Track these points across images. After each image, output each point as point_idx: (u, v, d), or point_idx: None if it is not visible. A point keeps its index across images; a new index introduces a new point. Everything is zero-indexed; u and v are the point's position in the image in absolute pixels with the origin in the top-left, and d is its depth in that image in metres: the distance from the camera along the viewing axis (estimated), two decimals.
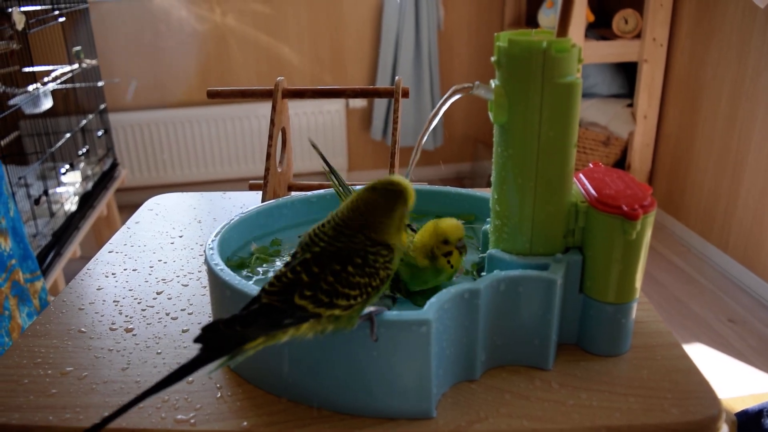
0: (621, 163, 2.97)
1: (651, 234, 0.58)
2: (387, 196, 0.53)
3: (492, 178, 0.61)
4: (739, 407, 1.29)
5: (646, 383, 0.57)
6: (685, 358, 0.61)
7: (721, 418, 0.54)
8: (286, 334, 0.49)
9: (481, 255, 0.68)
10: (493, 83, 0.58)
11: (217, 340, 0.46)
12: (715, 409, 0.54)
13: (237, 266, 0.70)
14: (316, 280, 0.49)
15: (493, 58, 0.57)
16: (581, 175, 0.63)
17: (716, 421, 0.54)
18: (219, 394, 0.57)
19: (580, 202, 0.59)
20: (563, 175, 0.57)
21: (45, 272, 1.79)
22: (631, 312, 0.60)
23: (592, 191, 0.59)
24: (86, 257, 2.24)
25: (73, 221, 2.12)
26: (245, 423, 0.54)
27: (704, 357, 1.97)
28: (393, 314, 0.51)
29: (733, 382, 1.86)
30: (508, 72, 0.56)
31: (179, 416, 0.54)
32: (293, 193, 0.83)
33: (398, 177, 0.54)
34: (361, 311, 0.51)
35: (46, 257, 1.87)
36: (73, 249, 2.04)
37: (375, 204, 0.53)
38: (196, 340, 0.46)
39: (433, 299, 0.53)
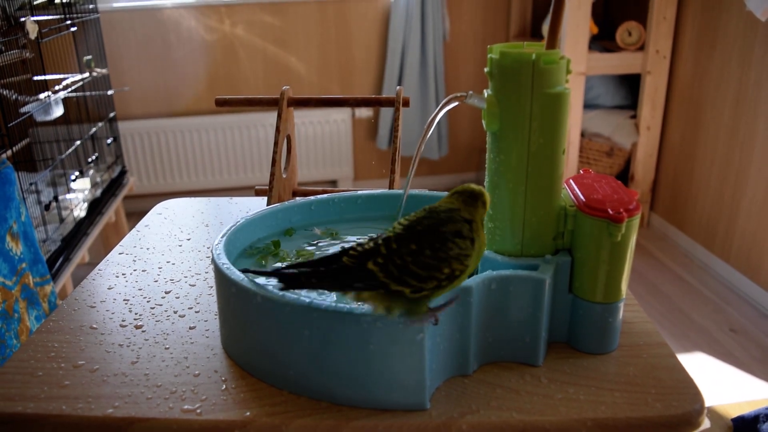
0: (624, 173, 2.99)
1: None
2: (471, 195, 0.57)
3: (485, 183, 0.64)
4: (735, 413, 1.31)
5: (631, 379, 0.60)
6: (671, 356, 0.63)
7: (702, 412, 0.57)
8: (355, 297, 0.53)
9: None
10: (486, 93, 0.61)
11: (293, 282, 0.53)
12: (698, 404, 0.57)
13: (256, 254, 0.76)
14: (392, 253, 0.52)
15: (486, 69, 0.60)
16: (571, 181, 0.65)
17: (698, 416, 0.56)
18: (224, 386, 0.60)
19: (569, 206, 0.62)
20: (553, 180, 0.60)
21: (54, 277, 1.83)
22: (619, 311, 0.63)
23: (581, 196, 0.61)
24: (94, 263, 2.27)
25: (82, 227, 2.15)
26: (248, 413, 0.56)
27: (706, 366, 1.99)
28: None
29: (735, 391, 1.87)
30: (500, 82, 0.59)
31: (186, 406, 0.57)
32: (297, 198, 0.86)
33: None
34: (429, 302, 0.54)
35: (56, 262, 1.91)
36: (82, 254, 2.08)
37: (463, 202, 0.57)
38: (278, 278, 0.53)
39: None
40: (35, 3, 2.08)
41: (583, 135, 2.97)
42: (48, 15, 2.16)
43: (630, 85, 3.02)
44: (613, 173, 2.96)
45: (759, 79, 2.25)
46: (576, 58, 2.64)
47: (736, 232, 2.42)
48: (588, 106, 3.03)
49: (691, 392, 0.58)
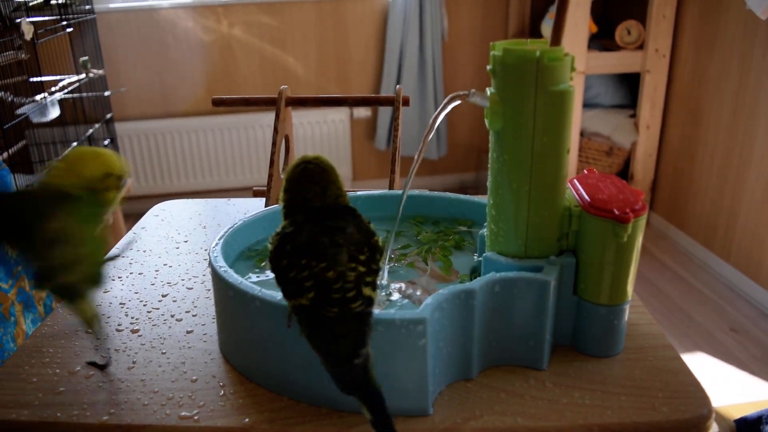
0: (624, 173, 2.98)
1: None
2: None
3: (488, 183, 0.63)
4: (738, 414, 1.30)
5: (638, 383, 0.59)
6: (677, 359, 0.62)
7: (710, 417, 0.56)
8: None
9: (477, 258, 0.69)
10: (488, 91, 0.59)
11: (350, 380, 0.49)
12: (705, 408, 0.56)
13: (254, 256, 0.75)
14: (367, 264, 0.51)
15: (489, 67, 0.59)
16: (575, 181, 0.64)
17: (706, 420, 0.55)
18: (222, 392, 0.59)
19: (574, 207, 0.60)
20: (557, 180, 0.59)
21: None
22: (624, 314, 0.61)
23: (585, 196, 0.60)
24: None
25: None
26: (247, 420, 0.55)
27: (706, 366, 1.98)
28: (391, 313, 0.53)
29: (736, 391, 1.86)
30: (503, 80, 0.57)
31: (183, 413, 0.56)
32: None
33: None
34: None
35: None
36: None
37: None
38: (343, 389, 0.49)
39: (429, 299, 0.54)
40: (31, 4, 2.07)
41: (582, 134, 2.96)
42: (44, 16, 2.15)
43: (629, 84, 3.01)
44: (612, 173, 2.95)
45: (759, 77, 2.24)
46: (575, 57, 2.62)
47: (737, 231, 2.41)
48: (587, 105, 3.02)
49: (699, 396, 0.57)
